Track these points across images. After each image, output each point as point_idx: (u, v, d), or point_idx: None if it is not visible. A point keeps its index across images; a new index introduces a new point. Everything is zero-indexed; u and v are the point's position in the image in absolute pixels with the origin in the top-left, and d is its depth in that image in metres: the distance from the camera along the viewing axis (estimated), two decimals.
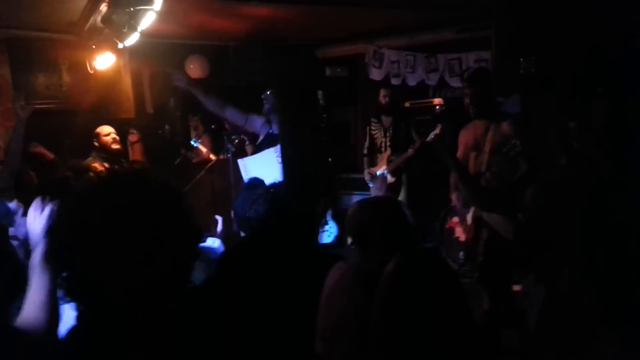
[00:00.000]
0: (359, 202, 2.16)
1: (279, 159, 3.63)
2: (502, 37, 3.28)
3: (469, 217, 4.14)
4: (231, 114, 4.20)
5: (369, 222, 1.95)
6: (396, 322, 1.28)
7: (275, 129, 4.07)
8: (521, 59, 3.06)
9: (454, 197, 4.08)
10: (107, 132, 4.42)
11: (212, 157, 5.47)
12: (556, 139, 3.65)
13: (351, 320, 1.68)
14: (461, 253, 4.54)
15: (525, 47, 3.17)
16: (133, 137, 5.01)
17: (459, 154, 3.80)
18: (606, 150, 2.95)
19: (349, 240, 2.06)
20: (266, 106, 4.14)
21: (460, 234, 4.50)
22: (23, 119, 3.63)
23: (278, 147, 3.70)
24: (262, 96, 4.20)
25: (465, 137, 3.71)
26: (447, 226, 4.86)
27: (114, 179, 0.94)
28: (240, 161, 3.81)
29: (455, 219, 4.57)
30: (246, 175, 3.70)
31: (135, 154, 5.08)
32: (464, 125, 3.93)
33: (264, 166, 3.57)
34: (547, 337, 1.77)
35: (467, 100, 3.56)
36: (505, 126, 3.44)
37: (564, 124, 3.50)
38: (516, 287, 3.33)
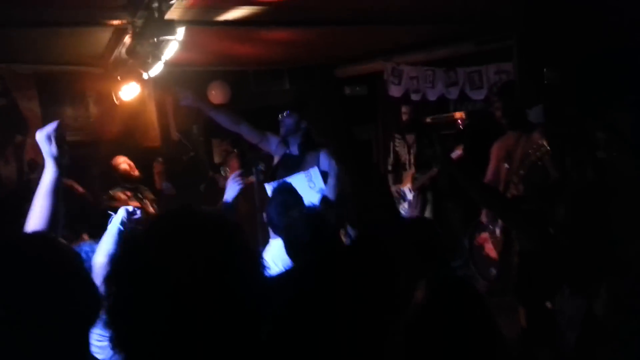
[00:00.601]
0: (388, 227, 2.14)
1: (311, 184, 3.53)
2: (524, 48, 3.27)
3: (498, 230, 4.08)
4: (247, 131, 4.08)
5: (400, 244, 1.94)
6: (426, 353, 1.27)
7: (293, 150, 3.94)
8: (545, 69, 3.04)
9: (483, 213, 4.03)
10: (121, 161, 4.51)
11: None
12: (583, 149, 3.59)
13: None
14: (492, 269, 4.44)
15: (549, 57, 3.15)
16: (157, 166, 5.10)
17: (491, 166, 3.78)
18: (636, 157, 2.88)
19: None
20: (282, 129, 4.00)
21: (490, 250, 4.41)
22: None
23: (309, 171, 3.59)
24: (279, 117, 4.08)
25: (497, 149, 3.72)
26: (476, 243, 4.77)
27: (165, 220, 0.91)
28: (267, 185, 3.72)
29: (485, 235, 4.48)
30: None
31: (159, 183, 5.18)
32: (489, 138, 3.90)
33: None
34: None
35: (498, 113, 3.57)
36: (536, 135, 3.44)
37: (591, 135, 3.45)
38: (548, 304, 3.24)
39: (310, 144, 3.78)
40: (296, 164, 3.80)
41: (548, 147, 3.29)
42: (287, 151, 3.94)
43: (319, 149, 3.77)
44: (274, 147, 4.02)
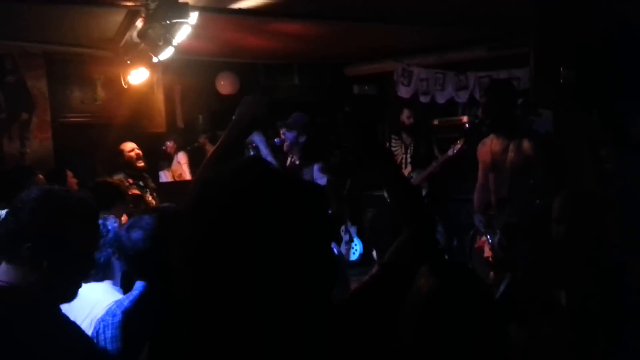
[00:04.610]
0: (381, 209, 2.12)
1: None
2: (541, 50, 3.17)
3: (497, 236, 4.02)
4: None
5: (386, 226, 1.91)
6: (431, 344, 1.24)
7: (295, 160, 4.10)
8: (561, 68, 2.96)
9: (476, 219, 3.85)
10: (130, 148, 4.45)
11: None
12: (589, 160, 3.53)
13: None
14: (491, 273, 4.41)
15: (565, 60, 3.07)
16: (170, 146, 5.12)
17: (480, 172, 3.60)
18: None
19: (374, 254, 2.02)
20: (285, 143, 4.12)
21: (489, 253, 4.38)
22: None
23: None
24: (279, 126, 4.19)
25: (482, 155, 3.42)
26: (476, 245, 4.74)
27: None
28: None
29: (484, 238, 4.46)
30: None
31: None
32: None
33: None
34: None
35: (479, 111, 3.31)
36: (526, 145, 3.11)
37: (597, 148, 3.37)
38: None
39: (308, 157, 3.97)
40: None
41: (542, 159, 3.05)
42: (291, 159, 4.13)
43: (314, 162, 3.94)
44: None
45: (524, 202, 3.15)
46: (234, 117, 1.60)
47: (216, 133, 5.69)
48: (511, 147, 3.16)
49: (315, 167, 3.92)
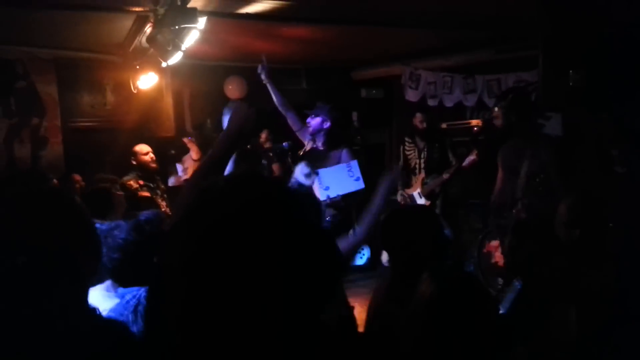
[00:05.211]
0: (394, 211, 2.13)
1: (350, 173, 3.78)
2: (550, 53, 3.19)
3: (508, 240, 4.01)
4: (291, 118, 4.39)
5: (404, 231, 1.91)
6: (433, 348, 1.24)
7: (319, 145, 4.19)
8: (570, 71, 2.98)
9: (490, 222, 3.91)
10: (145, 151, 4.50)
11: None
12: (597, 163, 3.53)
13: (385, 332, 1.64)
14: (499, 279, 4.39)
15: (575, 62, 3.09)
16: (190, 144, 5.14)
17: (499, 175, 3.66)
18: None
19: (384, 257, 2.03)
20: (310, 128, 4.26)
21: (498, 258, 4.35)
22: None
23: (349, 163, 3.88)
24: (308, 113, 4.30)
25: (501, 159, 3.56)
26: (484, 250, 4.72)
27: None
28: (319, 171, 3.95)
29: (494, 243, 4.43)
30: (321, 185, 3.80)
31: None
32: (501, 146, 3.83)
33: (337, 178, 3.79)
34: None
35: (498, 122, 3.42)
36: (541, 149, 3.27)
37: (607, 150, 3.37)
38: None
39: (334, 142, 4.09)
40: (320, 159, 4.07)
41: (554, 163, 3.11)
42: (314, 145, 4.21)
43: (342, 147, 4.04)
44: (307, 138, 4.30)
45: (535, 202, 3.21)
46: (224, 130, 1.64)
47: None
48: (527, 152, 3.29)
49: (344, 151, 4.01)
